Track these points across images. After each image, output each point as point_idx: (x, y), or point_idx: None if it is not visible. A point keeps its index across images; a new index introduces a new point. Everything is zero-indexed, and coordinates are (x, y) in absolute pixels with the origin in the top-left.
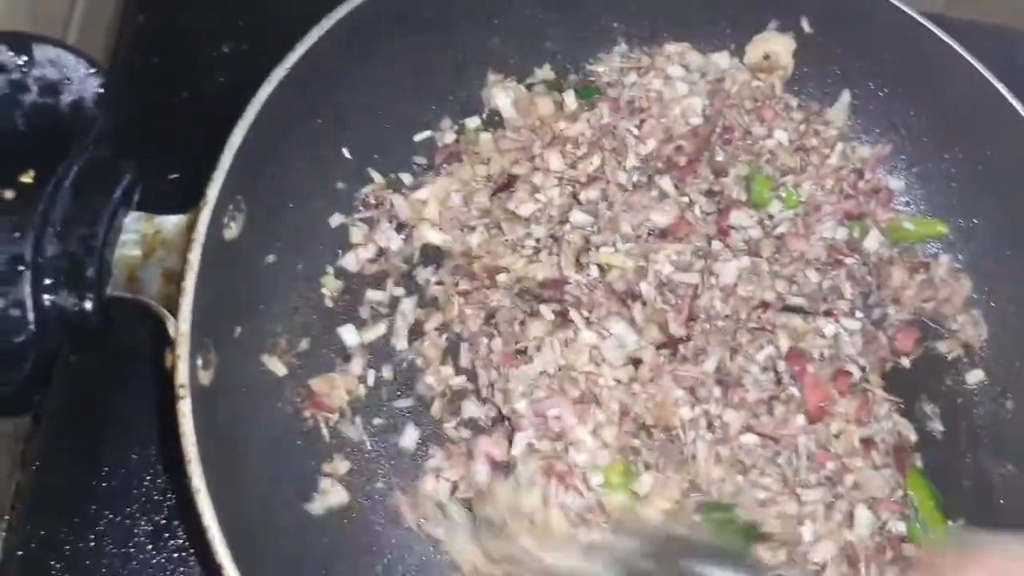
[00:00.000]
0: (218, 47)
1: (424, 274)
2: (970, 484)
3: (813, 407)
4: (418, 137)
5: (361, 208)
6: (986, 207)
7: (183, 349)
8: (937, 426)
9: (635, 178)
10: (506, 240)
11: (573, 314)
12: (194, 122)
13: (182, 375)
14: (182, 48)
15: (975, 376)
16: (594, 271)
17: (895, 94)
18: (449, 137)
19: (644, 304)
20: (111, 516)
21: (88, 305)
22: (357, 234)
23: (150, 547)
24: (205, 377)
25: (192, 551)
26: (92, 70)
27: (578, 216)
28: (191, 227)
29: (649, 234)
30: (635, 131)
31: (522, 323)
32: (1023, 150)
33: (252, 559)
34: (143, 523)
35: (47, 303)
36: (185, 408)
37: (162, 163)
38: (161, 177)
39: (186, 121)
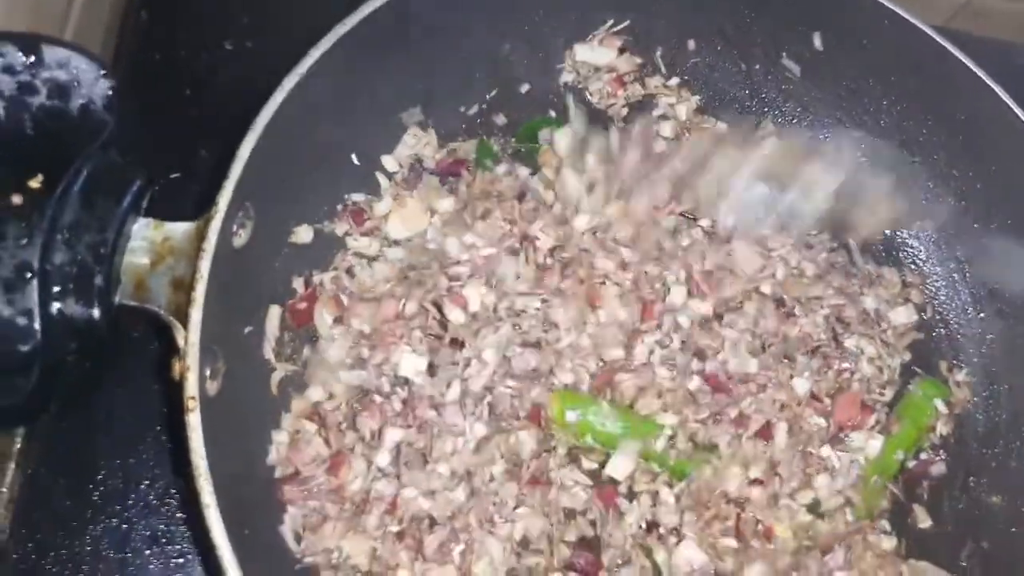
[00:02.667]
0: (221, 44)
1: None
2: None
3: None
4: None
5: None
6: (995, 228)
7: (192, 360)
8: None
9: None
10: None
11: None
12: (197, 120)
13: (192, 387)
14: (185, 45)
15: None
16: None
17: (908, 110)
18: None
19: None
20: (108, 521)
21: (96, 313)
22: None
23: (147, 552)
24: (212, 387)
25: (190, 556)
26: (103, 72)
27: None
28: (200, 235)
29: None
30: None
31: None
32: None
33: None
34: (140, 528)
35: (55, 311)
36: (195, 421)
37: (164, 162)
38: (162, 176)
39: (189, 119)
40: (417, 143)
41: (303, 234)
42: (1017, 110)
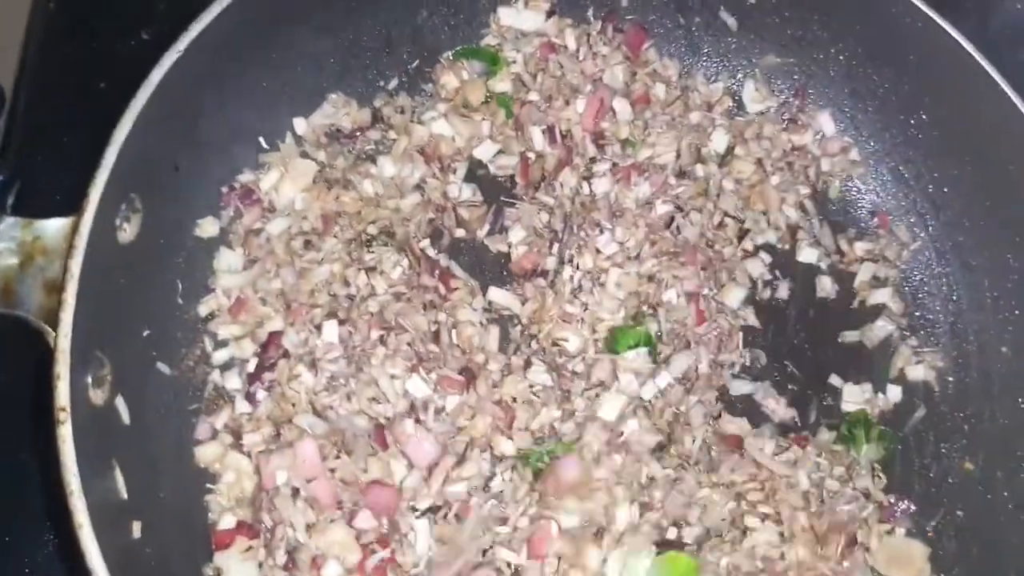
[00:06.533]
0: (138, 34)
1: None
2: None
3: None
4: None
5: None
6: (956, 174)
7: (63, 367)
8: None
9: None
10: None
11: None
12: (114, 116)
13: (62, 397)
14: (99, 36)
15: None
16: None
17: (857, 57)
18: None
19: None
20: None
21: None
22: None
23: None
24: (98, 396)
25: None
26: None
27: None
28: (74, 231)
29: None
30: None
31: None
32: (994, 113)
33: None
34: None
35: None
36: (65, 433)
37: (78, 162)
38: (77, 176)
39: (105, 115)
40: (336, 112)
41: (208, 227)
42: (968, 46)
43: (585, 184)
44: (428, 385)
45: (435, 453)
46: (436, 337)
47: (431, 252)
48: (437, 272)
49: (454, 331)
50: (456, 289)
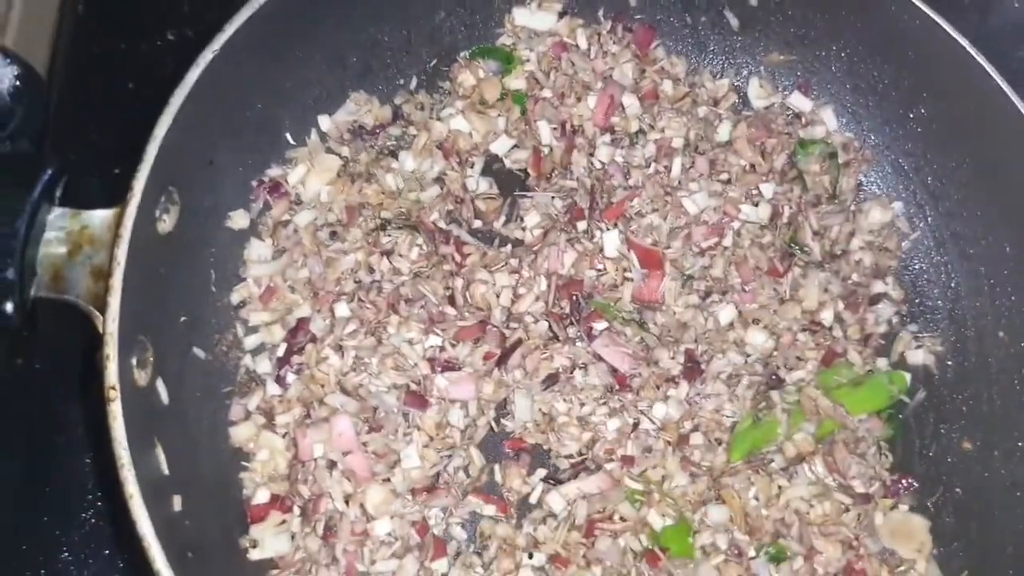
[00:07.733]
0: (163, 35)
1: None
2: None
3: None
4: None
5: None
6: (954, 167)
7: (112, 349)
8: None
9: None
10: None
11: None
12: (142, 114)
13: (111, 376)
14: (125, 37)
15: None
16: None
17: (858, 55)
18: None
19: None
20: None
21: (8, 308)
22: None
23: (108, 552)
24: (142, 377)
25: None
26: (6, 60)
27: None
28: (119, 222)
29: None
30: None
31: None
32: (990, 108)
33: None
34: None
35: None
36: (116, 411)
37: (107, 157)
38: (107, 172)
39: (133, 113)
40: (359, 109)
41: (239, 219)
42: (965, 43)
43: (594, 160)
44: (446, 341)
45: (475, 388)
46: (451, 300)
47: (442, 224)
48: (452, 240)
49: (467, 293)
50: (469, 255)
